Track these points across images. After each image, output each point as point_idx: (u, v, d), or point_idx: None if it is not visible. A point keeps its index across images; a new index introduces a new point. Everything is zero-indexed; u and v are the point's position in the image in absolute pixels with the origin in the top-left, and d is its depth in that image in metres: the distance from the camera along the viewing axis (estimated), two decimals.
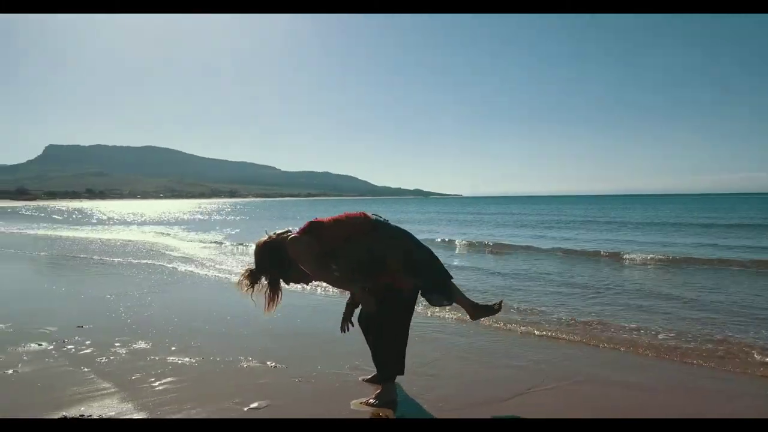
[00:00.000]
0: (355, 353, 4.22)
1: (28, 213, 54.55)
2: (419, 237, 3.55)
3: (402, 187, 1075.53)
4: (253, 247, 3.33)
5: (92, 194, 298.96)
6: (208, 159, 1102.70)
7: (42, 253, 13.26)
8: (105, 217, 41.92)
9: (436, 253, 3.50)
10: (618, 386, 3.71)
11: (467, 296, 3.61)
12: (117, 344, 4.60)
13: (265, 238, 3.29)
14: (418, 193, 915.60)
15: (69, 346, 4.52)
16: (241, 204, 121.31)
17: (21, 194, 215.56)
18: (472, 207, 69.58)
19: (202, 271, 9.89)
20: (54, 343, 4.62)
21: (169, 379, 3.72)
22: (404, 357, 3.42)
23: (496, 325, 5.56)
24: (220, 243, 17.14)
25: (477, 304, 3.59)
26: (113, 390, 3.51)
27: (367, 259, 3.26)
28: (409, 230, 3.50)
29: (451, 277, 3.52)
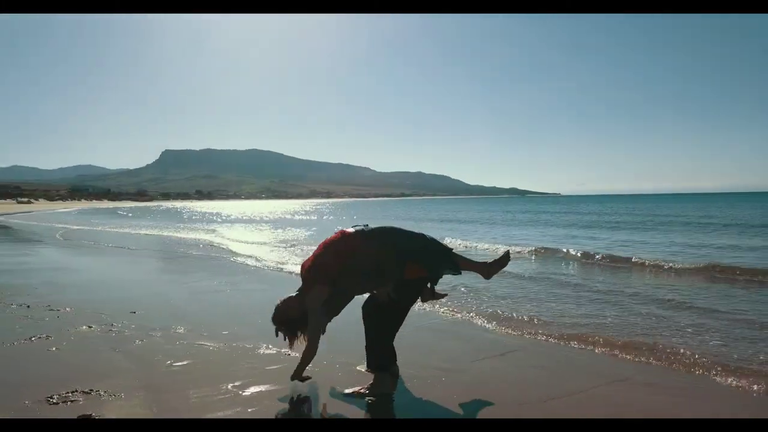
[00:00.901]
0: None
1: (124, 213, 59.55)
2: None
3: (497, 186, 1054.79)
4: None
5: (201, 195, 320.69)
6: (307, 161, 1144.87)
7: (131, 248, 14.47)
8: (197, 216, 44.88)
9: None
10: None
11: (473, 259, 3.70)
12: (157, 329, 4.93)
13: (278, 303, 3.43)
14: (513, 191, 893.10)
15: (114, 330, 4.91)
16: (333, 204, 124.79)
17: (140, 195, 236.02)
18: (554, 206, 65.84)
19: (260, 265, 10.35)
20: (102, 326, 5.04)
21: (185, 362, 3.94)
22: (393, 349, 3.44)
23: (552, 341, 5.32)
24: (287, 241, 17.75)
25: (486, 262, 3.65)
26: (130, 368, 3.78)
27: (376, 267, 3.30)
28: (429, 231, 3.59)
29: (451, 250, 3.57)
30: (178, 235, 20.47)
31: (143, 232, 22.24)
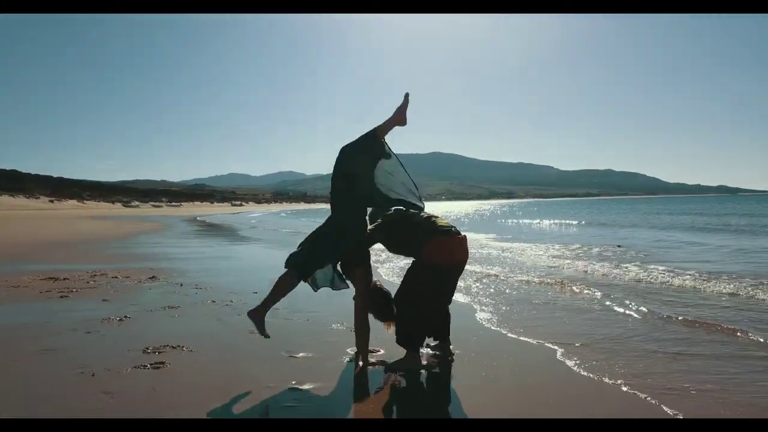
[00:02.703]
0: None
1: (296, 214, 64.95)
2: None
3: (701, 184, 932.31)
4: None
5: None
6: (487, 161, 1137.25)
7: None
8: None
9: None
10: None
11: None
12: (254, 302, 5.72)
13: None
14: (722, 189, 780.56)
15: (230, 305, 5.83)
16: (510, 205, 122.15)
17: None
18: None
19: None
20: (224, 301, 6.02)
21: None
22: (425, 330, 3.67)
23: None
24: None
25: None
26: (220, 333, 4.56)
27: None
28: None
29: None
30: None
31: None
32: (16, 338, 4.36)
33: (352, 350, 3.96)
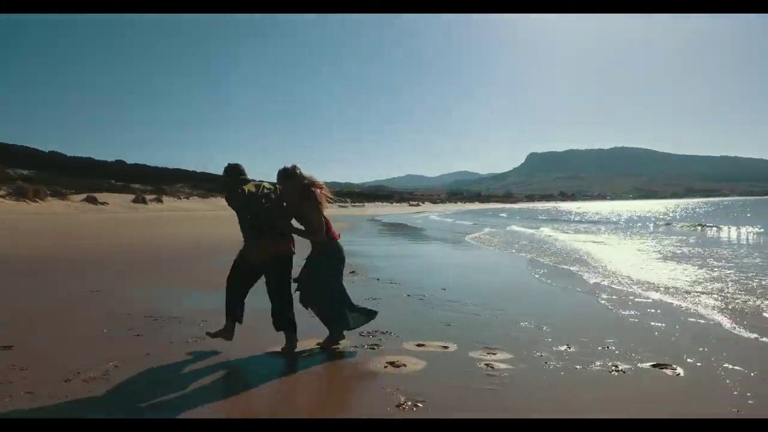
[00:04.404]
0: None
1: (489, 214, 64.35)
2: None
3: None
4: None
5: (564, 196, 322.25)
6: (683, 156, 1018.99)
7: (518, 252, 16.56)
8: (544, 215, 45.67)
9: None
10: None
11: None
12: (465, 302, 6.28)
13: None
14: None
15: (423, 299, 6.48)
16: (708, 204, 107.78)
17: (506, 197, 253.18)
18: None
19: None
20: (417, 295, 6.68)
21: (454, 321, 5.10)
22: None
23: None
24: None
25: None
26: (419, 322, 5.18)
27: None
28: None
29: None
30: (519, 229, 22.04)
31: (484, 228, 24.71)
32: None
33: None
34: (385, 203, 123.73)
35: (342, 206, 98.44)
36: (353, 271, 8.88)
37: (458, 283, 7.98)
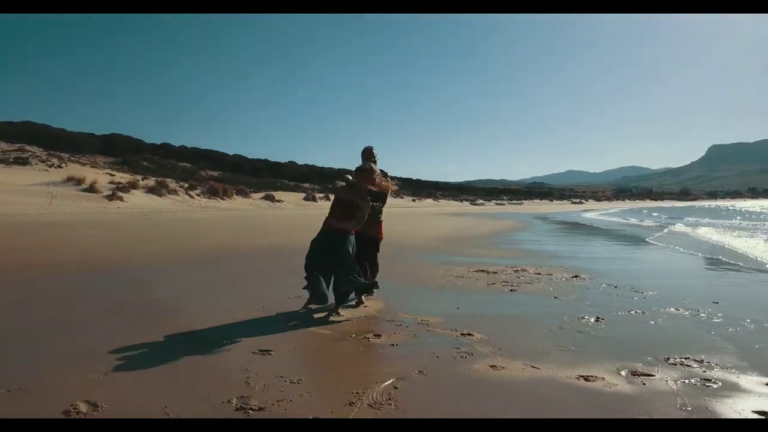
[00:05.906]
0: None
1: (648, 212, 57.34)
2: None
3: None
4: None
5: (755, 193, 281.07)
6: None
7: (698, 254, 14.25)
8: (726, 213, 39.26)
9: None
10: None
11: None
12: (747, 320, 4.88)
13: None
14: None
15: (702, 315, 5.16)
16: None
17: (683, 195, 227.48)
18: None
19: None
20: (689, 310, 5.37)
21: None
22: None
23: None
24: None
25: None
26: (732, 351, 3.93)
27: None
28: None
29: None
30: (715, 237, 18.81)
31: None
32: (536, 324, 4.62)
33: None
34: (544, 201, 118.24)
35: (499, 203, 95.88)
36: (576, 276, 7.74)
37: (726, 292, 6.49)
